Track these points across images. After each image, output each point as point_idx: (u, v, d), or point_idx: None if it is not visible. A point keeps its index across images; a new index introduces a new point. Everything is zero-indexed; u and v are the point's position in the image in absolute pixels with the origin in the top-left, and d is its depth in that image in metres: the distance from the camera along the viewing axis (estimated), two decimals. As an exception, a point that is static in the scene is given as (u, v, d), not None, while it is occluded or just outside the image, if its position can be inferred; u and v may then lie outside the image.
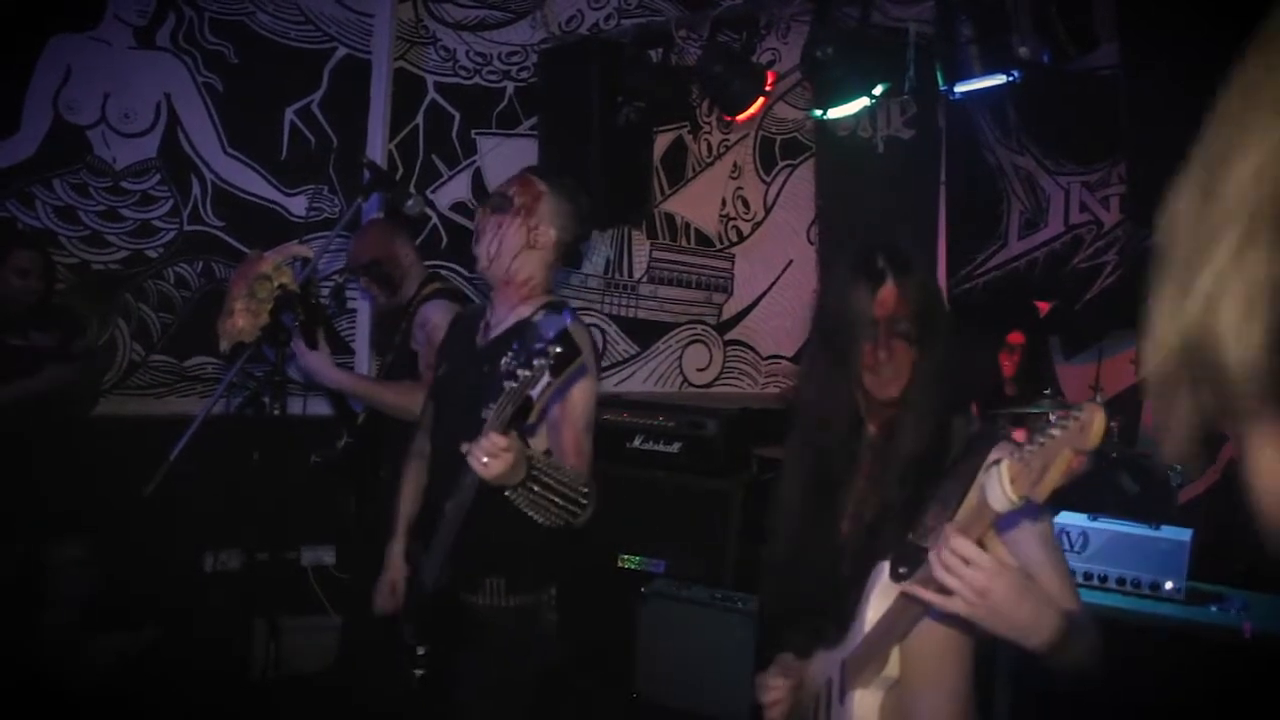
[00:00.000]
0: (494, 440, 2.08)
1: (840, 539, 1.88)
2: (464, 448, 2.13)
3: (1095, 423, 1.30)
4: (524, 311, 2.55)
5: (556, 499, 2.28)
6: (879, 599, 1.73)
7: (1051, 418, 1.35)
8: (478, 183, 5.47)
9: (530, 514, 2.27)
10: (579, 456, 2.45)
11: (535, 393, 2.03)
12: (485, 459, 2.09)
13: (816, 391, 1.95)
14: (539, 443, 2.45)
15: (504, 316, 2.62)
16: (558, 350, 1.98)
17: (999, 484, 1.38)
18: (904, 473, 1.82)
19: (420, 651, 2.52)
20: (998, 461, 1.40)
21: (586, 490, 2.35)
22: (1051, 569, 1.70)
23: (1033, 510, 1.56)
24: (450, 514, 2.38)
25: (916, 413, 1.85)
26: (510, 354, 2.07)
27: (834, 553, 1.86)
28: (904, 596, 1.62)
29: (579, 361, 2.02)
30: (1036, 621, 1.49)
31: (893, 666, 1.72)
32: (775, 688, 2.02)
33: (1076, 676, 1.57)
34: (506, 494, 2.21)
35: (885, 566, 1.70)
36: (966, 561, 1.45)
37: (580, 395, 2.47)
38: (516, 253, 2.56)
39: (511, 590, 2.56)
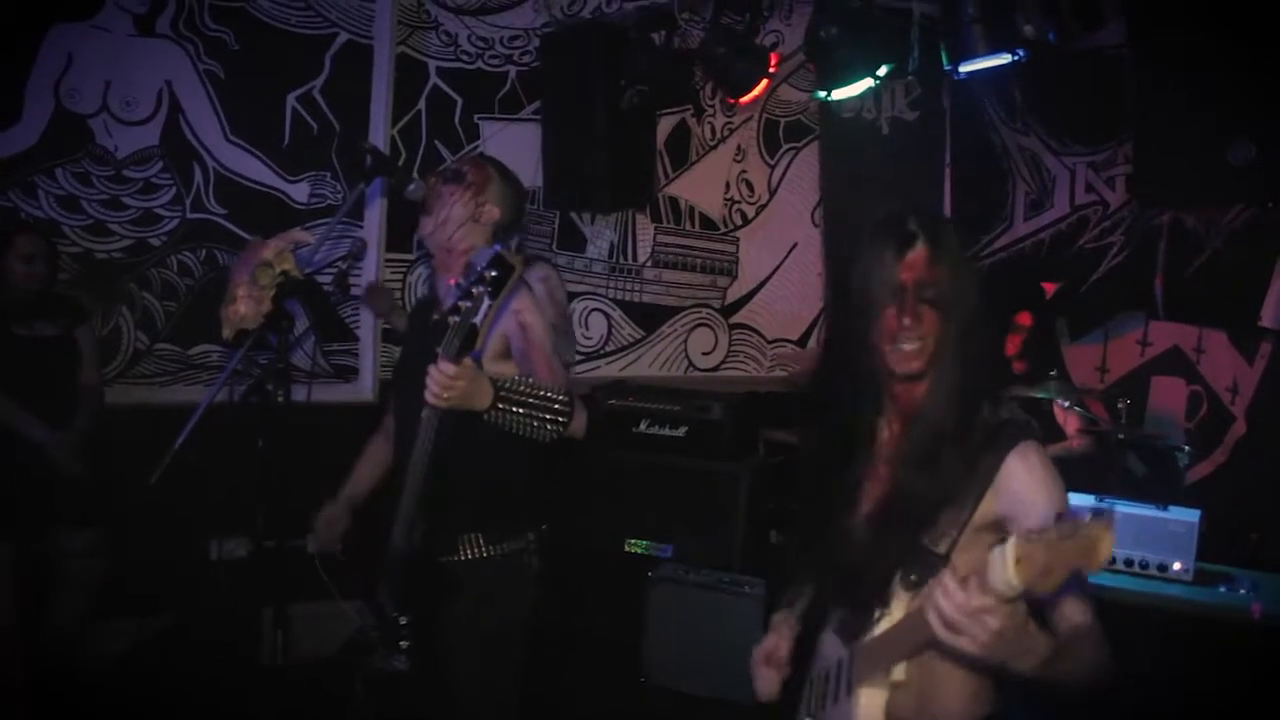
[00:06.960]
0: (444, 368, 2.17)
1: (857, 524, 1.82)
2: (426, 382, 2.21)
3: (1103, 546, 1.26)
4: None
5: (539, 413, 2.36)
6: (900, 601, 1.69)
7: (1055, 524, 1.29)
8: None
9: (522, 434, 2.36)
10: (554, 375, 2.52)
11: (479, 319, 2.14)
12: (437, 389, 2.18)
13: (837, 370, 1.87)
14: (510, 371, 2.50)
15: (452, 288, 2.66)
16: (493, 274, 2.11)
17: (1002, 565, 1.31)
18: (924, 456, 1.74)
19: (403, 621, 2.52)
20: (1005, 539, 1.32)
21: (565, 397, 2.41)
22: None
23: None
24: (413, 465, 2.38)
25: (943, 388, 1.74)
26: (455, 292, 2.19)
27: (849, 538, 1.81)
28: (914, 616, 1.56)
29: (516, 276, 2.13)
30: (1030, 649, 1.45)
31: (898, 672, 1.68)
32: (771, 651, 2.07)
33: (1078, 690, 1.53)
34: (485, 418, 2.29)
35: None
36: (982, 611, 1.36)
37: (534, 319, 2.55)
38: (462, 223, 2.67)
39: (490, 541, 2.61)
